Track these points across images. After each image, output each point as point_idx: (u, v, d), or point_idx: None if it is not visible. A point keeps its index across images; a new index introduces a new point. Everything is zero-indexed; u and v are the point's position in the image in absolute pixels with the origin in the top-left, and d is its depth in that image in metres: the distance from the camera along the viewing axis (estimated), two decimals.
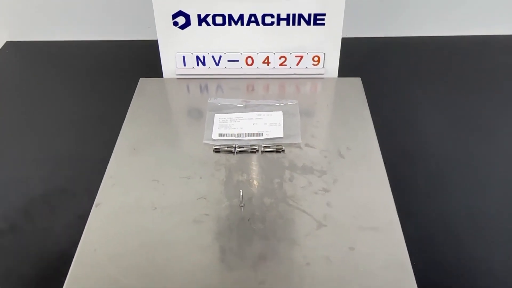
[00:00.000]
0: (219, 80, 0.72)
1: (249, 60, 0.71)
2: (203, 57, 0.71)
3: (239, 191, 0.52)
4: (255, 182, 0.55)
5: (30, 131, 0.77)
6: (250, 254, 0.47)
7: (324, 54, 0.71)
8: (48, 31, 0.99)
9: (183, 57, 0.71)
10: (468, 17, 0.96)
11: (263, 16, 0.68)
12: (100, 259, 0.47)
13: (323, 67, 0.72)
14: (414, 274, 0.45)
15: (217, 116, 0.65)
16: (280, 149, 0.59)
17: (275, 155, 0.59)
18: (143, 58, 0.90)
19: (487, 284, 0.54)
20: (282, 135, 0.61)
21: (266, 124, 0.63)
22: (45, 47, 0.99)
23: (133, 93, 0.70)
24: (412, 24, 0.97)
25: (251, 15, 0.68)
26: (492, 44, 0.96)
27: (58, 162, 0.70)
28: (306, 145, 0.60)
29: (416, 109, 0.79)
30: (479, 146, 0.72)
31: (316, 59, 0.71)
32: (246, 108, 0.66)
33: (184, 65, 0.72)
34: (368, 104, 0.67)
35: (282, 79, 0.72)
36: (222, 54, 0.71)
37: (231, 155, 0.59)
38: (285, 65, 0.72)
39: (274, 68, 0.72)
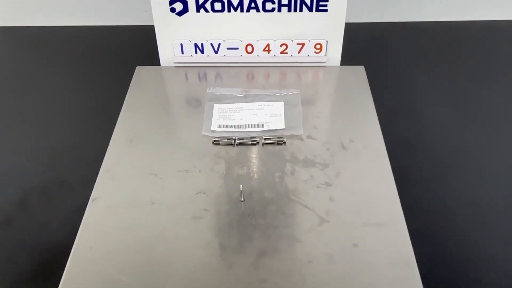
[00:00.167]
0: (218, 69, 0.70)
1: (249, 48, 0.69)
2: (202, 44, 0.69)
3: (239, 185, 0.51)
4: (256, 176, 0.54)
5: (22, 120, 0.75)
6: (250, 251, 0.46)
7: (327, 41, 0.68)
8: (40, 16, 0.95)
9: (181, 44, 0.69)
10: (475, 2, 0.93)
11: (264, 2, 0.66)
12: (96, 256, 0.46)
13: (325, 55, 0.70)
14: (418, 268, 0.44)
15: (216, 107, 0.63)
16: (282, 141, 0.58)
17: (276, 147, 0.57)
18: (139, 44, 0.88)
19: (490, 277, 0.53)
20: (283, 127, 0.60)
21: (267, 115, 0.61)
22: (37, 33, 0.96)
23: (129, 81, 0.68)
24: (417, 8, 0.94)
25: (251, 1, 0.65)
26: (499, 30, 0.94)
27: (52, 153, 0.69)
28: (308, 137, 0.59)
29: (420, 97, 0.78)
30: (484, 134, 0.71)
31: (318, 46, 0.69)
32: (246, 98, 0.64)
33: (182, 53, 0.70)
34: (371, 92, 0.65)
35: (283, 68, 0.70)
36: (221, 42, 0.69)
37: (230, 147, 0.57)
38: (286, 53, 0.70)
39: (275, 56, 0.70)
